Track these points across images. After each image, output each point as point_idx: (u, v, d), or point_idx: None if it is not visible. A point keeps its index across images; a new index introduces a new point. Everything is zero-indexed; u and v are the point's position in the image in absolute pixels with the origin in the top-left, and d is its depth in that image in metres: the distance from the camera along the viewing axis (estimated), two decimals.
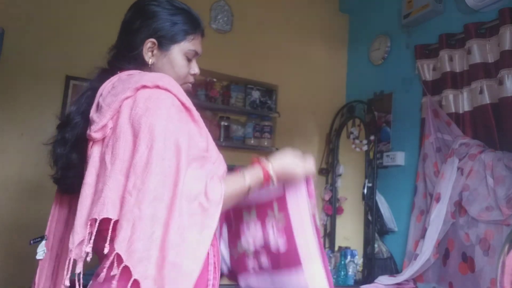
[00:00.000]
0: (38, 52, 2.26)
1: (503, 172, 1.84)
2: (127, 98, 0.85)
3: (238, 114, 2.87)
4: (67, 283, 0.81)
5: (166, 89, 0.86)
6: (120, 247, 0.74)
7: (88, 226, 0.80)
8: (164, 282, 0.72)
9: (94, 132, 0.86)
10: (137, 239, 0.74)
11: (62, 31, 2.33)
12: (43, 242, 1.05)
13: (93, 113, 0.90)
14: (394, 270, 2.39)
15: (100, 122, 0.86)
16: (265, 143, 2.81)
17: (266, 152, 2.89)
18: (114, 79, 0.94)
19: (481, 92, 1.99)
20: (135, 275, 0.72)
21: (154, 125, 0.80)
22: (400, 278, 2.17)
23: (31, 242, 1.11)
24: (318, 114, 3.04)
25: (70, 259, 0.81)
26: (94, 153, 0.87)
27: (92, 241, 0.79)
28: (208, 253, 0.92)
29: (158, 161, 0.78)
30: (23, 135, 2.20)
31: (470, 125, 2.08)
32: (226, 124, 2.74)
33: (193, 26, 1.02)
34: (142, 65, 0.99)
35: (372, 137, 2.60)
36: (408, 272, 2.15)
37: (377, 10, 2.93)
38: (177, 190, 0.78)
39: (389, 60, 2.76)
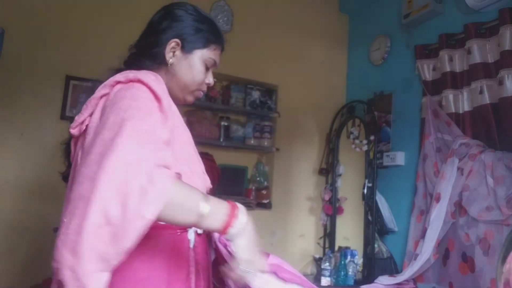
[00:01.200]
0: (38, 52, 2.26)
1: (503, 172, 1.84)
2: (103, 95, 0.87)
3: (238, 114, 2.87)
4: None
5: (138, 80, 0.86)
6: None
7: None
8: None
9: (72, 128, 0.89)
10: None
11: (62, 31, 2.33)
12: None
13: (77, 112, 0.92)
14: (394, 270, 2.39)
15: (78, 119, 0.88)
16: (265, 143, 2.81)
17: (266, 152, 2.89)
18: (111, 79, 0.94)
19: (481, 92, 1.99)
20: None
21: (110, 114, 0.78)
22: (400, 278, 2.17)
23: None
24: (318, 114, 3.04)
25: None
26: (74, 152, 0.92)
27: None
28: (188, 259, 0.90)
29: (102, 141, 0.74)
30: (23, 135, 2.20)
31: (470, 125, 2.08)
32: (226, 124, 2.74)
33: (216, 36, 1.06)
34: (161, 64, 1.01)
35: (372, 137, 2.60)
36: (408, 272, 2.15)
37: (377, 10, 2.93)
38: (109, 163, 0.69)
39: (389, 60, 2.76)
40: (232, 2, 2.81)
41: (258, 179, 2.85)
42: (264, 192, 2.79)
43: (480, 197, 1.91)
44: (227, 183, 2.69)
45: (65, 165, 1.03)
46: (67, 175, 1.00)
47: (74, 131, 0.89)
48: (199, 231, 0.98)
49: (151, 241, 0.84)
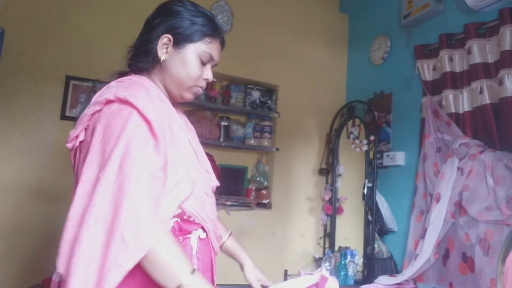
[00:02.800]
0: (38, 52, 2.26)
1: (503, 172, 1.83)
2: (95, 112, 0.89)
3: (238, 114, 2.87)
4: None
5: (126, 101, 0.86)
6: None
7: None
8: None
9: (67, 143, 0.93)
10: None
11: (62, 31, 2.33)
12: None
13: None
14: (394, 270, 2.39)
15: (72, 135, 0.91)
16: (265, 143, 2.81)
17: (266, 152, 2.89)
18: (107, 85, 0.95)
19: (481, 92, 1.99)
20: None
21: (106, 148, 0.83)
22: (400, 278, 2.17)
23: None
24: (318, 114, 3.04)
25: None
26: (74, 164, 0.95)
27: None
28: None
29: (103, 184, 0.79)
30: (23, 135, 2.20)
31: (470, 125, 2.08)
32: (226, 124, 2.74)
33: (212, 29, 1.02)
34: (155, 61, 1.00)
35: (372, 137, 2.60)
36: (408, 272, 2.15)
37: (377, 10, 2.93)
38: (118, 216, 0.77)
39: (389, 60, 2.76)
40: (232, 2, 2.81)
41: (258, 179, 2.85)
42: (264, 192, 2.79)
43: (480, 197, 1.91)
44: (227, 183, 2.69)
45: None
46: None
47: (69, 145, 0.93)
48: (202, 235, 0.97)
49: None
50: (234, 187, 2.79)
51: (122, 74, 1.04)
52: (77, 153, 0.92)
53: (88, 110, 0.89)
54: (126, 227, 0.74)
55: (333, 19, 3.21)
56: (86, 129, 0.90)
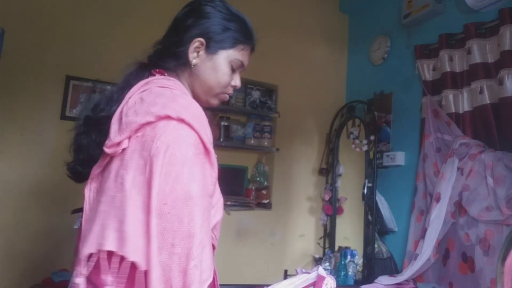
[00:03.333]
0: (38, 52, 2.27)
1: (503, 172, 1.83)
2: (147, 123, 0.79)
3: (238, 114, 2.87)
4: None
5: (189, 125, 0.79)
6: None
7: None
8: None
9: (107, 147, 0.81)
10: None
11: (62, 31, 2.33)
12: (80, 213, 1.03)
13: (114, 123, 0.83)
14: (394, 270, 2.39)
15: (114, 139, 0.80)
16: (265, 143, 2.81)
17: (266, 152, 2.89)
18: (145, 87, 0.88)
19: (481, 92, 1.99)
20: None
21: (170, 170, 0.75)
22: (400, 278, 2.17)
23: (72, 212, 1.26)
24: (318, 114, 3.04)
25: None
26: (111, 169, 0.82)
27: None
28: None
29: (173, 209, 0.74)
30: (23, 135, 2.20)
31: (470, 125, 2.08)
32: (226, 124, 2.75)
33: (246, 36, 1.00)
34: (185, 65, 0.95)
35: (372, 137, 2.60)
36: (408, 272, 2.15)
37: (377, 10, 2.93)
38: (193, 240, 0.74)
39: (389, 60, 2.76)
40: (232, 2, 2.80)
41: (258, 179, 2.85)
42: (264, 192, 2.79)
43: (480, 197, 1.91)
44: (227, 183, 2.69)
45: (72, 156, 0.96)
46: (76, 168, 0.94)
47: (110, 150, 0.81)
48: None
49: None
50: (234, 187, 2.79)
51: (143, 65, 0.98)
52: (116, 160, 0.82)
53: (139, 119, 0.79)
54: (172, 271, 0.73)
55: (333, 19, 3.21)
56: (130, 137, 0.80)
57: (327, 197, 2.87)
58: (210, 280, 0.78)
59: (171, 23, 1.00)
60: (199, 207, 0.76)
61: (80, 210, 0.98)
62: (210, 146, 0.82)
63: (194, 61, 0.95)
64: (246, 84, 2.84)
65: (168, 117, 0.79)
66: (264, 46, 3.33)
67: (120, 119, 0.83)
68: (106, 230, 0.74)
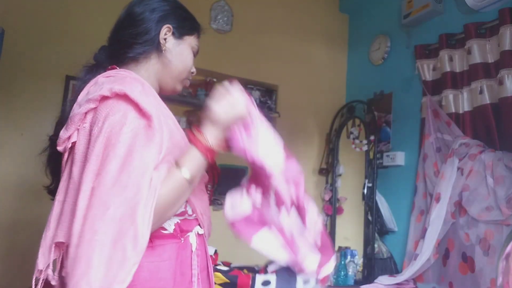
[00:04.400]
0: (38, 52, 2.26)
1: (503, 172, 1.84)
2: (89, 110, 0.82)
3: None
4: None
5: (124, 95, 0.81)
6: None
7: (53, 251, 0.84)
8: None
9: (58, 146, 0.86)
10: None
11: (62, 31, 2.33)
12: None
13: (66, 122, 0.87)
14: (394, 270, 2.39)
15: (63, 136, 0.84)
16: None
17: None
18: (93, 82, 0.90)
19: (481, 92, 1.99)
20: None
21: (108, 154, 0.76)
22: (400, 278, 2.17)
23: None
24: (318, 114, 3.04)
25: (37, 280, 0.84)
26: (64, 167, 0.87)
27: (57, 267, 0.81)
28: (191, 264, 0.92)
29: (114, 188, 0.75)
30: (23, 135, 2.20)
31: (470, 125, 2.08)
32: None
33: (197, 25, 1.06)
34: (152, 51, 0.98)
35: (372, 137, 2.60)
36: (408, 272, 2.15)
37: (377, 10, 2.93)
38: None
39: (389, 60, 2.76)
40: (232, 2, 2.81)
41: None
42: None
43: (480, 197, 1.91)
44: (227, 183, 2.67)
45: (49, 178, 1.03)
46: (53, 188, 0.99)
47: (61, 148, 0.86)
48: (200, 231, 0.98)
49: (155, 253, 0.85)
50: (234, 187, 2.78)
51: (98, 67, 1.01)
52: (69, 156, 0.86)
53: (81, 109, 0.82)
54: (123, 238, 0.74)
55: (333, 19, 3.21)
56: (78, 129, 0.83)
57: (327, 197, 2.87)
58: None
59: (124, 18, 1.02)
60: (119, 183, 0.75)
61: None
62: (148, 110, 0.81)
63: (164, 47, 0.98)
64: (246, 84, 2.84)
65: (103, 98, 0.81)
66: (264, 46, 3.35)
67: (69, 118, 0.86)
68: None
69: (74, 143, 0.84)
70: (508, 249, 1.28)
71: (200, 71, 2.66)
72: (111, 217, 0.73)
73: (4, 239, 2.11)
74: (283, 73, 2.93)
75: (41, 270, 0.84)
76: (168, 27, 0.98)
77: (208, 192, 1.08)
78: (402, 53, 2.62)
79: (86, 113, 0.82)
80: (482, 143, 1.99)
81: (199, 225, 0.99)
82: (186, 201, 0.92)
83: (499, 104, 1.91)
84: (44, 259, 0.84)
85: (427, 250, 2.07)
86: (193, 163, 0.84)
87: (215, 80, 2.74)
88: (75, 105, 0.88)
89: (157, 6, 1.00)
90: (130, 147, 0.77)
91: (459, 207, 2.02)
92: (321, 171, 2.97)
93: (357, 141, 2.70)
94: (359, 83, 3.05)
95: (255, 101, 3.10)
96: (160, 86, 1.02)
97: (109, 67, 0.98)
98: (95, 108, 0.82)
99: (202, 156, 0.86)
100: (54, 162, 0.97)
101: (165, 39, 0.98)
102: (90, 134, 0.81)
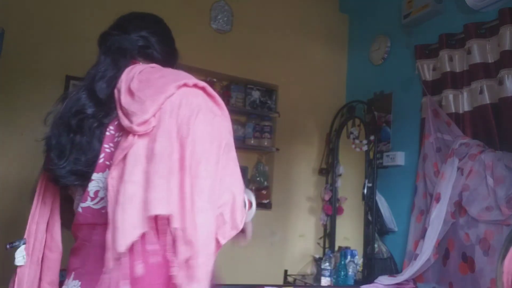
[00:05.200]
0: (38, 52, 2.26)
1: (503, 172, 1.83)
2: (171, 95, 0.85)
3: (238, 114, 2.87)
4: None
5: (203, 88, 0.90)
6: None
7: (148, 223, 0.77)
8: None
9: (137, 125, 0.83)
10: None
11: (62, 31, 2.33)
12: (22, 246, 1.01)
13: (127, 102, 0.86)
14: (394, 270, 2.39)
15: (142, 115, 0.82)
16: (265, 143, 2.81)
17: (266, 152, 2.89)
18: (138, 67, 0.94)
19: (481, 92, 1.99)
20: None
21: (200, 130, 0.84)
22: (400, 278, 2.17)
23: (8, 246, 1.05)
24: (318, 114, 3.04)
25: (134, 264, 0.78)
26: (137, 148, 0.82)
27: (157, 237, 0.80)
28: None
29: (205, 165, 0.83)
30: (23, 135, 2.20)
31: (470, 125, 2.08)
32: None
33: None
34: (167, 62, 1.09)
35: (372, 137, 2.60)
36: (408, 272, 2.15)
37: (377, 10, 2.93)
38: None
39: (389, 60, 2.76)
40: (232, 2, 2.81)
41: (258, 179, 2.85)
42: (264, 192, 2.79)
43: (480, 197, 1.91)
44: None
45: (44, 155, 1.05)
46: (54, 167, 0.96)
47: (140, 128, 0.83)
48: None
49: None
50: None
51: (123, 57, 1.04)
52: (142, 139, 0.84)
53: (161, 93, 0.84)
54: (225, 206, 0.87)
55: (333, 19, 3.21)
56: (154, 113, 0.84)
57: (327, 197, 2.87)
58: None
59: (166, 36, 1.18)
60: (215, 160, 0.85)
61: (20, 242, 0.97)
62: (220, 101, 0.93)
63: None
64: (246, 84, 2.84)
65: (185, 85, 0.88)
66: (264, 46, 3.35)
67: (134, 96, 0.86)
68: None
69: (153, 128, 0.84)
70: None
71: (200, 71, 2.67)
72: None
73: (4, 239, 2.11)
74: (283, 73, 2.93)
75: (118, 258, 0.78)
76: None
77: None
78: (402, 53, 2.62)
79: (168, 96, 0.85)
80: (482, 143, 1.99)
81: None
82: None
83: (499, 104, 1.91)
84: (130, 236, 0.77)
85: (427, 250, 2.07)
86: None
87: (215, 80, 2.74)
88: (129, 84, 0.89)
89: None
90: (228, 137, 0.90)
91: (459, 207, 2.02)
92: (321, 171, 2.97)
93: (357, 141, 2.70)
94: (359, 83, 3.05)
95: (255, 101, 3.09)
96: None
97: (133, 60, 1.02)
98: (175, 93, 0.86)
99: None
100: (72, 137, 0.97)
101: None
102: (176, 117, 0.83)
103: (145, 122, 0.83)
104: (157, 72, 0.93)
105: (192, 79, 0.90)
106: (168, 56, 1.11)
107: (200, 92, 0.90)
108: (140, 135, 0.83)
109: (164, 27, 1.16)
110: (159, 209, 0.77)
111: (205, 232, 0.79)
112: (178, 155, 0.81)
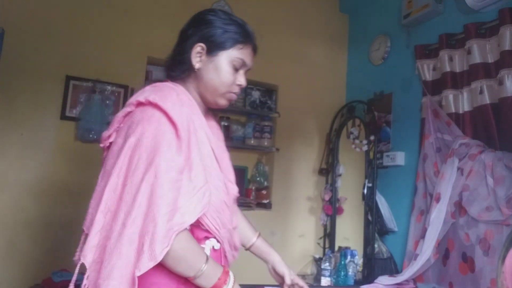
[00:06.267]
0: (38, 52, 2.26)
1: (503, 172, 1.83)
2: (127, 114, 0.95)
3: (238, 114, 2.87)
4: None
5: (156, 105, 0.91)
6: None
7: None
8: None
9: (100, 143, 1.00)
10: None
11: (62, 31, 2.33)
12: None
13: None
14: (394, 270, 2.39)
15: (105, 135, 0.98)
16: (265, 143, 2.81)
17: (266, 152, 2.89)
18: (142, 90, 1.01)
19: (481, 92, 1.99)
20: None
21: (135, 155, 0.88)
22: (400, 278, 2.17)
23: None
24: (318, 114, 3.04)
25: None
26: (103, 162, 0.99)
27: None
28: None
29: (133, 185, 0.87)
30: (23, 135, 2.20)
31: (470, 125, 2.08)
32: (226, 124, 2.74)
33: (244, 36, 1.06)
34: (189, 70, 1.02)
35: (372, 137, 2.60)
36: (408, 272, 2.15)
37: (377, 10, 2.93)
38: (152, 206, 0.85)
39: (389, 60, 2.76)
40: (232, 2, 2.81)
41: (258, 179, 2.85)
42: (264, 192, 2.79)
43: (480, 197, 1.91)
44: None
45: None
46: None
47: (102, 145, 1.00)
48: (216, 246, 0.98)
49: None
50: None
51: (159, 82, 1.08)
52: (107, 152, 0.97)
53: (120, 112, 0.95)
54: (146, 235, 0.83)
55: (333, 19, 3.21)
56: (117, 130, 0.96)
57: (327, 197, 2.87)
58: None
59: (178, 37, 1.08)
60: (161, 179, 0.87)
61: None
62: (177, 120, 0.91)
63: (197, 65, 1.01)
64: (246, 84, 2.84)
65: (139, 103, 0.94)
66: (264, 46, 3.32)
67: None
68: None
69: (111, 142, 0.97)
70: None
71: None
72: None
73: (4, 239, 2.11)
74: (283, 73, 2.93)
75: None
76: (200, 45, 1.01)
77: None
78: (402, 53, 2.62)
79: (124, 116, 0.95)
80: (482, 143, 1.99)
81: (215, 239, 0.98)
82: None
83: (499, 104, 1.91)
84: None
85: (427, 250, 2.07)
86: (210, 274, 0.90)
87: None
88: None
89: (198, 23, 1.03)
90: (156, 149, 0.88)
91: (459, 207, 2.02)
92: (321, 171, 2.97)
93: (357, 141, 2.70)
94: (359, 83, 3.05)
95: (255, 101, 3.09)
96: (203, 101, 1.07)
97: (164, 80, 1.06)
98: (131, 112, 0.94)
99: (215, 281, 0.91)
100: None
101: (200, 57, 1.02)
102: (124, 137, 0.92)
103: (104, 139, 1.03)
104: (141, 91, 1.03)
105: (148, 96, 0.94)
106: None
107: (152, 110, 0.93)
108: (105, 151, 1.06)
109: (180, 31, 1.14)
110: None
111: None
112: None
